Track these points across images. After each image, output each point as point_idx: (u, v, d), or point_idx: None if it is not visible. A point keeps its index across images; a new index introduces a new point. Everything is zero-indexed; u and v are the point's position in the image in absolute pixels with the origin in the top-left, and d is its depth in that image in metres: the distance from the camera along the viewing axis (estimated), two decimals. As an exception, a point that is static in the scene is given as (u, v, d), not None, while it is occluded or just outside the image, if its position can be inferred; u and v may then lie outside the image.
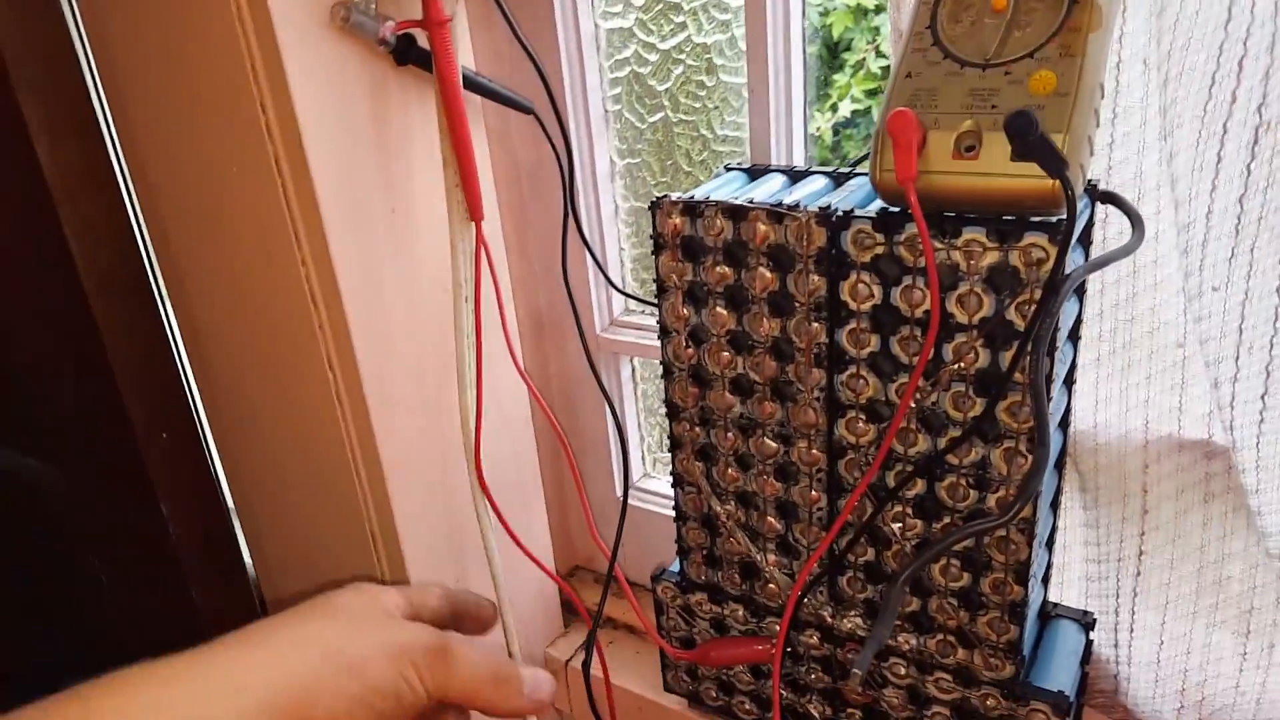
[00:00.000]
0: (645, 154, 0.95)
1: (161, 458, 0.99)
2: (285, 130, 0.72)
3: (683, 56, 0.88)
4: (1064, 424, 0.73)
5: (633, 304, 1.04)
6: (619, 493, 1.08)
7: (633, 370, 1.06)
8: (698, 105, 0.89)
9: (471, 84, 0.82)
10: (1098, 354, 0.72)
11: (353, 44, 0.73)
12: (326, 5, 0.71)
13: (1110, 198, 0.65)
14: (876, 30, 2.48)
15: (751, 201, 0.69)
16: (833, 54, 2.55)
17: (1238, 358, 0.59)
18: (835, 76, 2.56)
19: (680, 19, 0.86)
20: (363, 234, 0.77)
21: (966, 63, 0.60)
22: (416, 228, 0.82)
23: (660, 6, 0.86)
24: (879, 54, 2.48)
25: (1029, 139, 0.54)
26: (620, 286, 1.00)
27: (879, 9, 2.46)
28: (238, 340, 0.89)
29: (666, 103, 0.91)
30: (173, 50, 0.76)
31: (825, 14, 2.42)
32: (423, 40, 0.76)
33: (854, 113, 2.59)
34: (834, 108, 2.52)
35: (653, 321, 1.01)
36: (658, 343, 0.99)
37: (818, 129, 2.79)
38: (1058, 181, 0.54)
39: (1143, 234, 0.60)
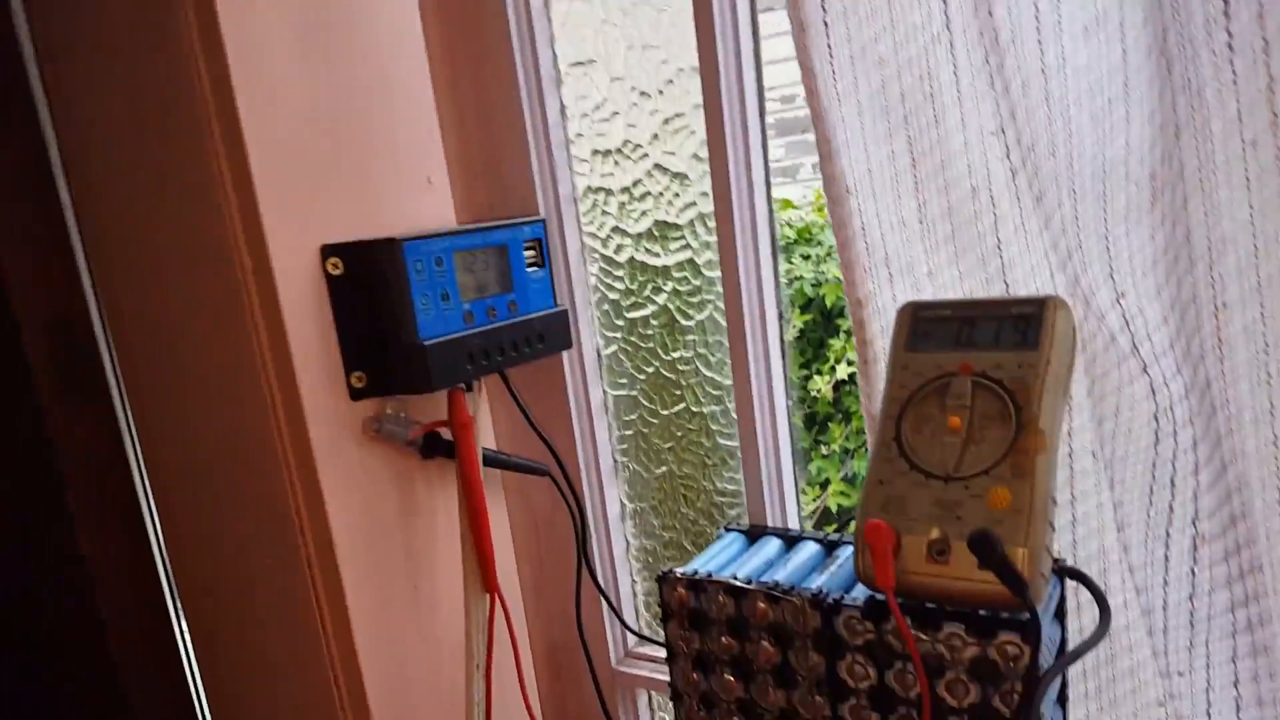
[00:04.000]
0: (652, 500, 1.03)
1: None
2: (317, 532, 0.80)
3: (682, 422, 0.98)
4: (1065, 786, 0.75)
5: (647, 634, 1.08)
6: (638, 831, 1.08)
7: (649, 699, 1.09)
8: (697, 462, 0.98)
9: (491, 461, 0.91)
10: (1086, 711, 0.75)
11: (383, 447, 0.83)
12: (359, 420, 0.81)
13: (1077, 576, 0.71)
14: (867, 297, 2.68)
15: (750, 582, 0.75)
16: (828, 320, 2.71)
17: (1213, 745, 0.63)
18: (831, 340, 2.72)
19: (679, 392, 0.97)
20: (386, 616, 0.83)
21: (930, 475, 0.68)
22: (437, 601, 0.88)
23: (661, 381, 0.97)
24: (870, 319, 2.66)
25: (991, 558, 0.61)
26: (633, 625, 1.05)
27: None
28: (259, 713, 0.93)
29: (670, 458, 1.00)
30: (217, 466, 0.86)
31: (818, 285, 2.62)
32: (446, 432, 0.86)
33: (850, 375, 2.75)
34: (832, 369, 2.66)
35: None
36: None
37: (818, 390, 2.91)
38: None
39: (1109, 620, 0.66)
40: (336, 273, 0.76)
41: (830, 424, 2.71)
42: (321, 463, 0.77)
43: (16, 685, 1.13)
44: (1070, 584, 0.74)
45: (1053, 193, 0.69)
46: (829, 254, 2.76)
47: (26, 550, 1.02)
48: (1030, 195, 0.72)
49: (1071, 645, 0.72)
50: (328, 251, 0.77)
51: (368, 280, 0.75)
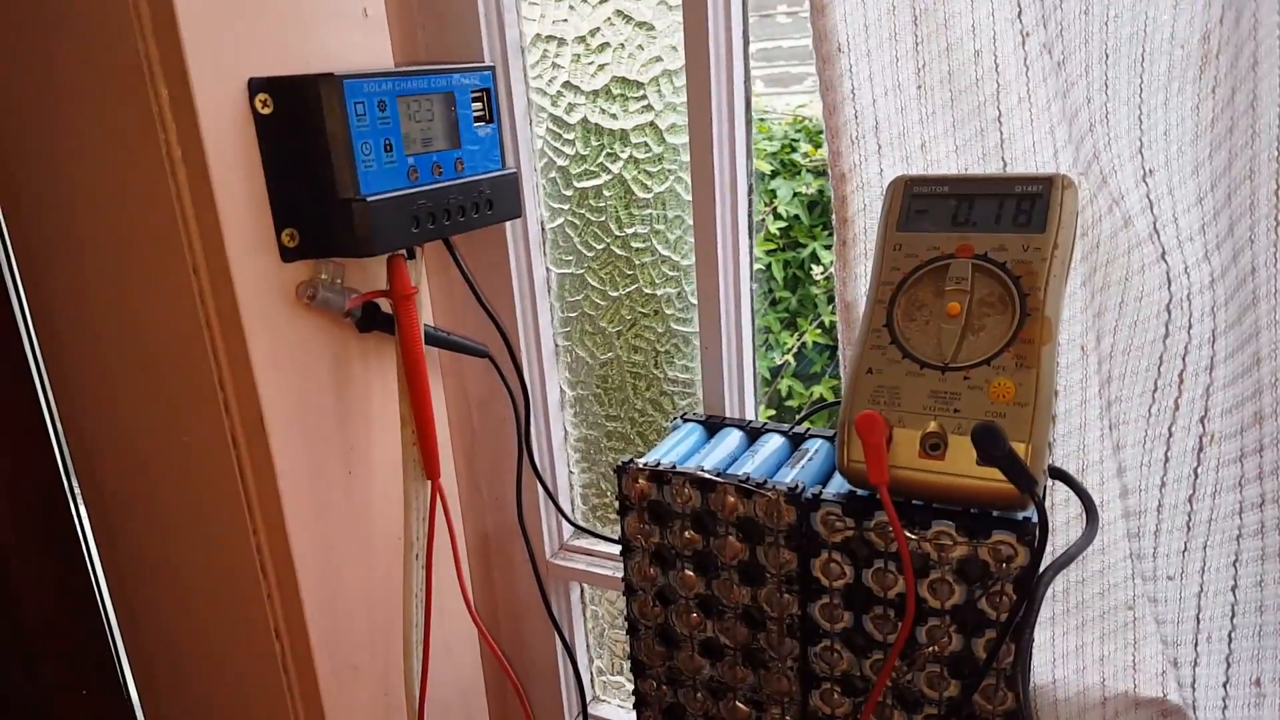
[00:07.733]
0: (595, 386, 0.96)
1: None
2: (245, 407, 0.70)
3: (634, 304, 0.90)
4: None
5: (584, 526, 1.03)
6: (569, 721, 1.05)
7: (582, 592, 1.04)
8: (648, 349, 0.91)
9: (432, 339, 0.82)
10: (1052, 612, 0.74)
11: (317, 317, 0.73)
12: (292, 285, 0.70)
13: (1061, 475, 0.68)
14: (773, 194, 2.62)
15: (720, 475, 0.70)
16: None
17: (1196, 644, 0.62)
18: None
19: (631, 272, 0.88)
20: (319, 501, 0.75)
21: (926, 364, 0.63)
22: (372, 487, 0.80)
23: (611, 259, 0.89)
24: (776, 216, 2.61)
25: (997, 454, 0.57)
26: (570, 515, 0.99)
27: (774, 174, 2.60)
28: (176, 606, 0.84)
29: (618, 343, 0.93)
30: (129, 330, 0.74)
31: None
32: (385, 305, 0.77)
33: (755, 270, 2.70)
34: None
35: (602, 547, 1.00)
36: (607, 569, 0.99)
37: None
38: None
39: (1098, 523, 0.63)
40: (266, 112, 0.64)
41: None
42: (250, 330, 0.67)
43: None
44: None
45: (1079, 57, 0.62)
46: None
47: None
48: (1045, 62, 0.66)
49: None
50: (256, 86, 0.64)
51: (302, 122, 0.64)
